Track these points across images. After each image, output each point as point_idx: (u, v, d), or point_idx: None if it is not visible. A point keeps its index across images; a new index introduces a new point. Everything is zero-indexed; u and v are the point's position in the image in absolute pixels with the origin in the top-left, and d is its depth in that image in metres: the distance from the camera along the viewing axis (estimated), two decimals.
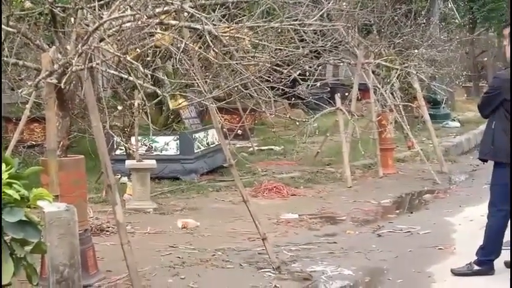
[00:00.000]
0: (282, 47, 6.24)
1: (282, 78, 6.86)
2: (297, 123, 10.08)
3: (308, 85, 10.29)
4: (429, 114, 12.11)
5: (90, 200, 7.56)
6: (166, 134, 9.92)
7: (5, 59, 5.25)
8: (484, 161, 5.85)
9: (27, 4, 6.87)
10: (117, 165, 8.38)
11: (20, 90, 4.92)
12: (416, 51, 11.42)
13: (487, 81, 31.13)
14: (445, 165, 11.29)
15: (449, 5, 21.92)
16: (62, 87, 4.78)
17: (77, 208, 3.55)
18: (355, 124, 10.14)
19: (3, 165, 3.42)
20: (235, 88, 6.31)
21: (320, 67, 10.84)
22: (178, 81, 7.27)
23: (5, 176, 3.37)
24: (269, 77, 6.46)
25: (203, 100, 5.84)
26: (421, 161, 11.17)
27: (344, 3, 10.38)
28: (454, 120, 17.66)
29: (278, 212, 8.06)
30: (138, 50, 5.10)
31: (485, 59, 29.94)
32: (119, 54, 5.02)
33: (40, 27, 7.82)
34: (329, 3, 7.11)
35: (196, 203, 8.61)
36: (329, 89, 19.33)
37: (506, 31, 5.64)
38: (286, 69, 6.49)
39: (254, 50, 6.46)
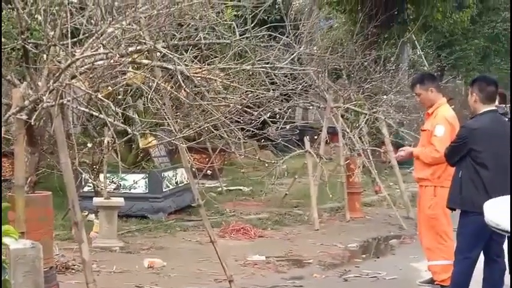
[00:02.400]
0: (252, 89, 6.31)
1: (252, 120, 6.92)
2: (266, 164, 10.13)
3: (278, 127, 10.36)
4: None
5: (56, 237, 7.46)
6: (135, 172, 9.87)
7: None
8: (452, 209, 5.94)
9: None
10: (84, 202, 8.32)
11: None
12: (385, 97, 11.61)
13: None
14: (411, 210, 11.34)
15: (418, 52, 22.31)
16: (32, 123, 4.76)
17: (42, 245, 3.53)
18: (323, 167, 10.21)
19: None
20: (206, 128, 6.36)
21: (290, 110, 10.96)
22: (148, 120, 7.27)
23: None
24: (239, 118, 6.52)
25: (173, 139, 5.83)
26: (388, 205, 11.24)
27: (315, 48, 10.59)
28: None
29: (245, 253, 8.04)
30: (110, 87, 5.10)
31: (453, 106, 30.42)
32: (90, 91, 5.04)
33: (12, 62, 7.81)
34: (300, 47, 7.26)
35: (163, 243, 8.56)
36: (298, 131, 19.45)
37: (472, 86, 5.81)
38: (256, 111, 6.55)
39: (225, 92, 6.53)
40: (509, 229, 3.26)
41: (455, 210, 5.96)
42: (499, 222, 3.30)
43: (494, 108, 5.80)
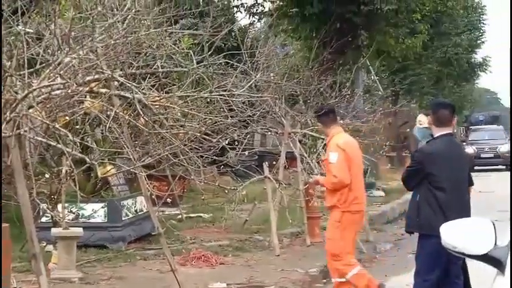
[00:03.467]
0: (211, 116, 6.36)
1: (211, 147, 6.96)
2: (226, 190, 10.15)
3: (237, 153, 10.41)
4: None
5: (14, 269, 7.33)
6: (94, 201, 9.79)
7: None
8: (411, 233, 6.03)
9: None
10: (43, 233, 8.19)
11: None
12: (341, 121, 11.74)
13: (409, 151, 32.10)
14: (370, 234, 11.47)
15: (372, 77, 22.71)
16: None
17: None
18: (282, 192, 10.26)
19: None
20: (165, 156, 6.37)
21: (248, 136, 11.02)
22: (107, 149, 7.25)
23: None
24: (199, 145, 6.55)
25: (133, 168, 5.82)
26: None
27: (271, 75, 10.69)
28: (379, 189, 18.03)
29: (206, 281, 8.00)
30: (67, 117, 5.09)
31: (408, 129, 30.93)
32: (47, 121, 5.03)
33: None
34: (257, 74, 7.35)
35: (123, 272, 8.46)
36: (257, 157, 19.53)
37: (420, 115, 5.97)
38: (215, 137, 6.59)
39: (184, 119, 6.56)
40: (465, 251, 3.32)
41: (413, 233, 6.06)
42: (455, 244, 3.36)
43: (449, 131, 5.93)
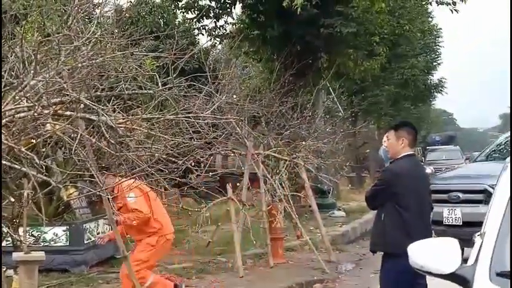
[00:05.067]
0: (177, 139, 6.36)
1: (175, 168, 6.95)
2: (190, 212, 10.12)
3: (199, 175, 10.39)
4: (316, 204, 12.46)
5: None
6: (56, 224, 9.68)
7: None
8: (374, 252, 6.10)
9: None
10: (3, 257, 8.05)
11: None
12: (303, 143, 11.85)
13: (368, 171, 32.44)
14: (333, 254, 11.57)
15: (333, 99, 22.93)
16: None
17: None
18: (246, 213, 10.28)
19: None
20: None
21: (211, 157, 11.02)
22: (71, 172, 7.19)
23: None
24: (164, 166, 6.53)
25: (98, 191, 5.79)
26: (309, 250, 11.40)
27: (234, 96, 10.75)
28: (340, 209, 18.19)
29: None
30: (33, 140, 5.05)
31: (368, 150, 31.30)
32: (12, 144, 4.98)
33: None
34: (221, 96, 7.38)
35: None
36: (219, 178, 19.49)
37: (398, 131, 6.02)
38: (181, 159, 6.58)
39: (148, 141, 6.55)
40: (432, 270, 3.39)
41: (376, 252, 6.12)
42: (423, 263, 3.43)
43: (412, 152, 6.05)
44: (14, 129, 5.30)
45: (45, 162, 7.13)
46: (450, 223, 10.40)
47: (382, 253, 5.96)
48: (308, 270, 10.55)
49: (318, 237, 12.42)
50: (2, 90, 5.43)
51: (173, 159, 6.67)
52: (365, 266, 10.93)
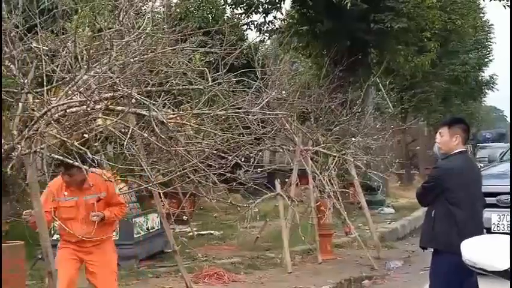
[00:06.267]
0: (227, 134, 6.36)
1: (224, 164, 6.95)
2: (238, 208, 10.12)
3: (247, 170, 10.39)
4: (365, 200, 12.34)
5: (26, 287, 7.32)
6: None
7: None
8: (424, 248, 6.00)
9: None
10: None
11: None
12: (353, 139, 11.74)
13: (418, 168, 32.04)
14: (381, 251, 11.46)
15: (383, 95, 22.72)
16: (8, 172, 4.72)
17: None
18: (294, 209, 10.24)
19: None
20: (180, 173, 6.36)
21: (260, 153, 11.01)
22: (122, 166, 7.25)
23: None
24: (214, 162, 6.54)
25: (150, 186, 5.82)
26: (358, 246, 11.31)
27: (283, 92, 10.70)
28: (389, 206, 18.00)
29: None
30: (86, 135, 5.10)
31: (418, 147, 30.92)
32: (66, 139, 5.03)
33: None
34: (272, 92, 7.36)
35: None
36: (267, 174, 19.51)
37: (452, 127, 5.89)
38: (230, 155, 6.58)
39: (197, 136, 6.56)
40: (486, 268, 3.34)
41: (426, 249, 6.03)
42: (476, 261, 3.38)
43: (465, 149, 5.93)
44: (66, 123, 5.36)
45: (96, 157, 7.22)
46: (500, 231, 9.23)
47: (432, 250, 5.87)
48: (357, 266, 10.46)
49: (367, 233, 12.32)
50: (55, 84, 5.50)
51: (223, 154, 6.67)
52: (414, 263, 10.78)
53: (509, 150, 11.36)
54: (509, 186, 5.65)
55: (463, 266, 3.43)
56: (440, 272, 5.70)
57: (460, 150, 5.81)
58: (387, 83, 18.98)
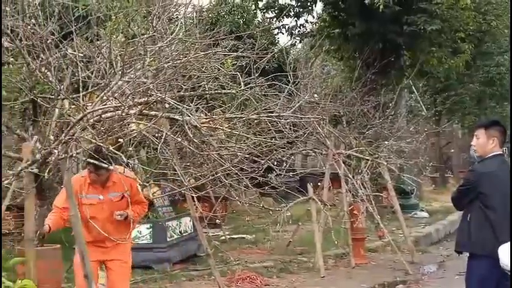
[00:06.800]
0: (259, 137, 6.37)
1: (256, 168, 6.96)
2: (271, 212, 10.13)
3: (279, 174, 10.39)
4: (398, 204, 12.26)
5: None
6: (140, 222, 9.86)
7: None
8: (460, 252, 5.95)
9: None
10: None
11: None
12: (386, 142, 11.68)
13: (452, 172, 31.71)
14: (416, 255, 11.36)
15: (416, 98, 22.54)
16: (46, 176, 4.80)
17: None
18: (327, 213, 10.21)
19: None
20: (213, 177, 6.39)
21: (292, 157, 11.02)
22: (154, 170, 7.31)
23: None
24: (247, 165, 6.56)
25: (184, 189, 5.86)
26: (392, 251, 11.23)
27: (315, 95, 10.69)
28: (423, 210, 17.83)
29: None
30: (120, 139, 5.15)
31: (452, 150, 30.60)
32: (100, 143, 5.09)
33: (16, 115, 7.88)
34: (305, 96, 7.37)
35: None
36: (298, 178, 19.45)
37: (489, 130, 5.82)
38: (263, 159, 6.60)
39: (229, 140, 6.59)
40: None
41: (461, 253, 5.97)
42: None
43: (501, 152, 5.85)
44: (101, 128, 5.43)
45: (130, 161, 7.30)
46: None
47: (468, 254, 5.81)
48: (390, 271, 10.39)
49: (400, 238, 12.22)
50: (90, 90, 5.57)
51: (255, 158, 6.69)
52: (449, 268, 10.67)
53: (509, 150, 11.26)
54: (510, 184, 5.54)
55: (499, 270, 3.40)
56: (476, 275, 5.63)
57: (496, 153, 5.73)
58: (420, 85, 18.80)
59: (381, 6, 13.61)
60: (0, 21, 5.31)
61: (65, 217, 5.93)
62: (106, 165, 5.30)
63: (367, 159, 11.25)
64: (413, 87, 20.19)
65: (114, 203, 6.14)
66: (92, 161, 5.28)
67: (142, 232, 9.95)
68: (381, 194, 12.50)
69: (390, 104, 13.10)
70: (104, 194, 6.13)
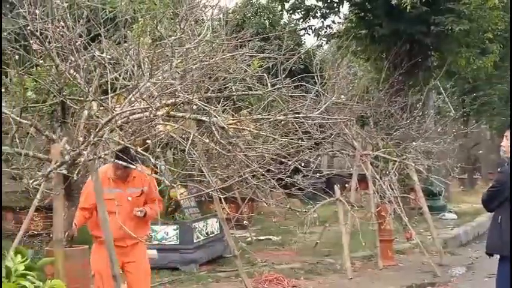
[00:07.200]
0: (286, 138, 6.36)
1: (282, 169, 6.94)
2: (297, 213, 10.09)
3: (306, 175, 10.34)
4: (426, 205, 12.15)
5: None
6: (167, 223, 9.91)
7: (16, 149, 5.30)
8: (490, 255, 5.88)
9: (30, 94, 7.02)
10: None
11: (31, 181, 4.95)
12: (413, 143, 11.59)
13: (480, 173, 31.37)
14: (444, 257, 11.27)
15: (443, 99, 22.33)
16: (74, 177, 4.83)
17: None
18: (354, 215, 10.14)
19: (19, 256, 3.45)
20: (240, 178, 6.38)
21: (319, 157, 10.97)
22: (181, 171, 7.32)
23: (20, 267, 3.39)
24: (273, 167, 6.55)
25: (211, 190, 5.86)
26: (420, 252, 11.14)
27: (342, 96, 10.63)
28: (451, 212, 17.68)
29: None
30: (148, 141, 5.18)
31: (480, 151, 30.27)
32: (128, 145, 5.12)
33: (43, 117, 7.94)
34: (332, 96, 7.32)
35: None
36: (324, 179, 19.39)
37: (508, 133, 5.76)
38: (290, 160, 6.57)
39: (256, 141, 6.58)
40: None
41: (492, 255, 5.90)
42: None
43: None
44: (129, 130, 5.45)
45: (157, 162, 7.32)
46: None
47: (499, 256, 5.74)
48: (418, 273, 10.31)
49: (429, 239, 12.13)
50: (118, 92, 5.60)
51: (282, 159, 6.67)
52: (478, 270, 10.56)
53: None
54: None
55: None
56: (507, 278, 5.57)
57: None
58: (448, 86, 18.60)
59: (408, 7, 13.53)
60: (0, 21, 5.38)
61: (86, 216, 6.04)
62: (133, 163, 5.34)
63: (395, 161, 11.17)
64: (441, 88, 20.00)
65: (134, 198, 6.21)
66: (121, 156, 5.31)
67: (169, 233, 9.99)
68: (409, 196, 12.38)
69: (418, 105, 12.98)
70: (124, 189, 6.20)
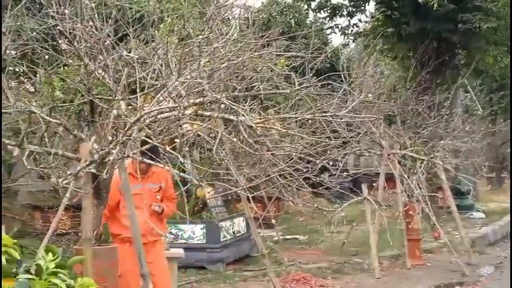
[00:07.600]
0: (314, 137, 6.33)
1: (310, 168, 6.92)
2: (324, 212, 10.06)
3: (333, 174, 10.31)
4: (454, 204, 12.04)
5: None
6: (194, 222, 9.93)
7: (45, 148, 5.34)
8: None
9: (58, 94, 7.08)
10: None
11: (60, 180, 4.98)
12: (441, 142, 11.49)
13: (508, 172, 31.00)
14: (473, 256, 11.16)
15: (471, 97, 22.12)
16: (104, 176, 4.86)
17: None
18: (382, 214, 10.09)
19: (50, 255, 3.48)
20: (267, 177, 6.37)
21: (346, 156, 10.93)
22: (209, 170, 7.34)
23: (51, 265, 3.41)
24: (302, 165, 6.53)
25: (239, 189, 5.86)
26: (448, 251, 11.05)
27: (369, 95, 10.58)
28: (479, 211, 17.50)
29: None
30: (177, 140, 5.19)
31: (508, 150, 29.93)
32: (157, 143, 5.13)
33: (71, 116, 7.99)
34: (360, 95, 7.29)
35: None
36: (351, 178, 19.29)
37: None
38: (318, 159, 6.55)
39: (283, 140, 6.56)
40: None
41: None
42: None
43: None
44: (157, 129, 5.47)
45: (185, 161, 7.34)
46: None
47: None
48: (447, 272, 10.22)
49: (457, 238, 12.02)
50: (146, 91, 5.62)
51: (309, 158, 6.65)
52: (506, 270, 10.43)
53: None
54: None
55: None
56: None
57: None
58: (476, 84, 18.43)
59: (435, 5, 13.44)
60: (0, 22, 5.41)
61: (107, 213, 6.12)
62: (160, 160, 5.37)
63: (423, 159, 11.09)
64: (469, 86, 19.81)
65: (153, 193, 6.31)
66: (147, 152, 5.33)
67: (196, 232, 10.01)
68: (437, 194, 12.28)
69: (445, 103, 12.88)
70: (144, 184, 6.23)
